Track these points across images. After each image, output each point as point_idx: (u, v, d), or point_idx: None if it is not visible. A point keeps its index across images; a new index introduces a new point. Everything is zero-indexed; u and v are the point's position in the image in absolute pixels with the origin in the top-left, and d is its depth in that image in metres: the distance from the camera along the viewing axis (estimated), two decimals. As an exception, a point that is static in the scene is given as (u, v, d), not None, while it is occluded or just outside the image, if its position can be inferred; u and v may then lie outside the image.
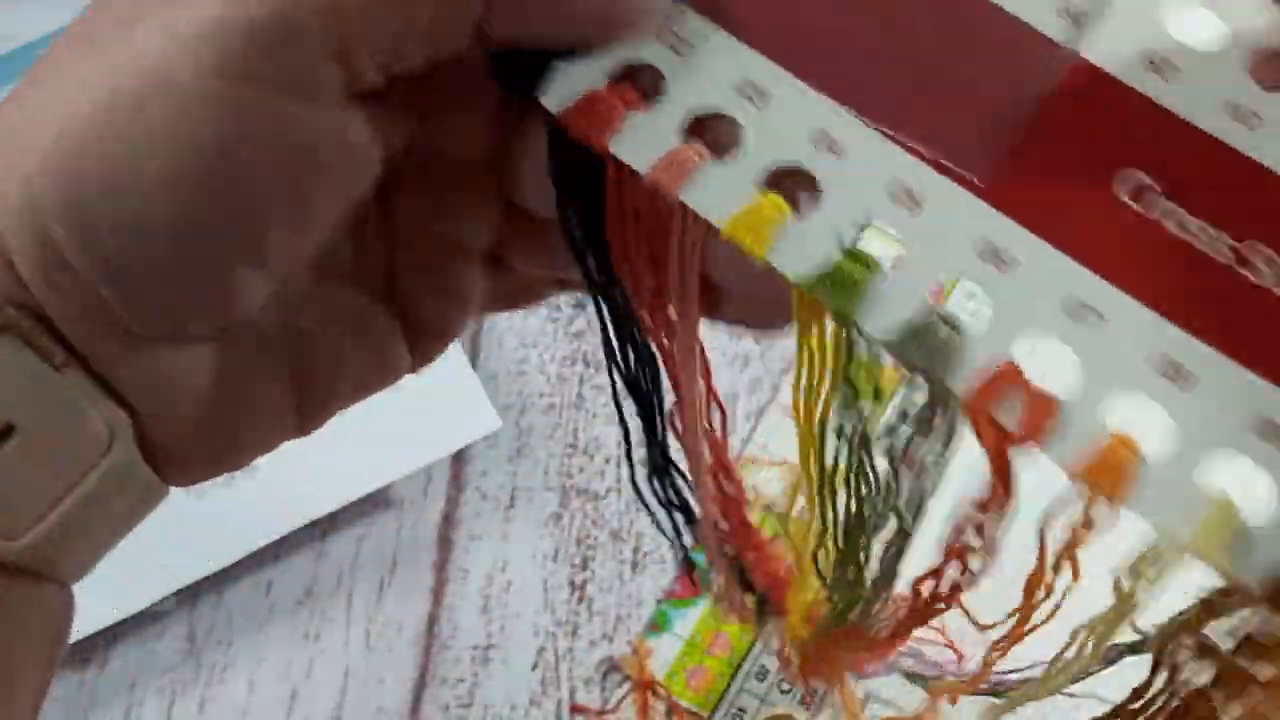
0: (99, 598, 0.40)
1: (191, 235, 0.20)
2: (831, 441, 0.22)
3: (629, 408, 0.25)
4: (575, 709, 0.40)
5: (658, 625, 0.41)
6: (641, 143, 0.20)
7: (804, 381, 0.21)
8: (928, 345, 0.18)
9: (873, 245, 0.20)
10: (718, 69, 0.21)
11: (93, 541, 0.23)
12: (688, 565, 0.31)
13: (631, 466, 0.27)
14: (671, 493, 0.28)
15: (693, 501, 0.28)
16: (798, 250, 0.19)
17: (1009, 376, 0.18)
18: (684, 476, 0.28)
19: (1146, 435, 0.18)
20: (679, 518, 0.28)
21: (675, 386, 0.24)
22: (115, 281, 0.20)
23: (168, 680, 0.41)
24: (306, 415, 0.26)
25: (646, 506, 0.28)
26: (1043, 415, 0.18)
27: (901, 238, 0.20)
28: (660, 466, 0.27)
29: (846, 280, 0.19)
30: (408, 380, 0.44)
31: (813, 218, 0.20)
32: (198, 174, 0.20)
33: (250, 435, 0.25)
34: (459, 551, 0.43)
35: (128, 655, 0.41)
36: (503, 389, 0.46)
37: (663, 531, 0.29)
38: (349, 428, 0.43)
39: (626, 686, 0.40)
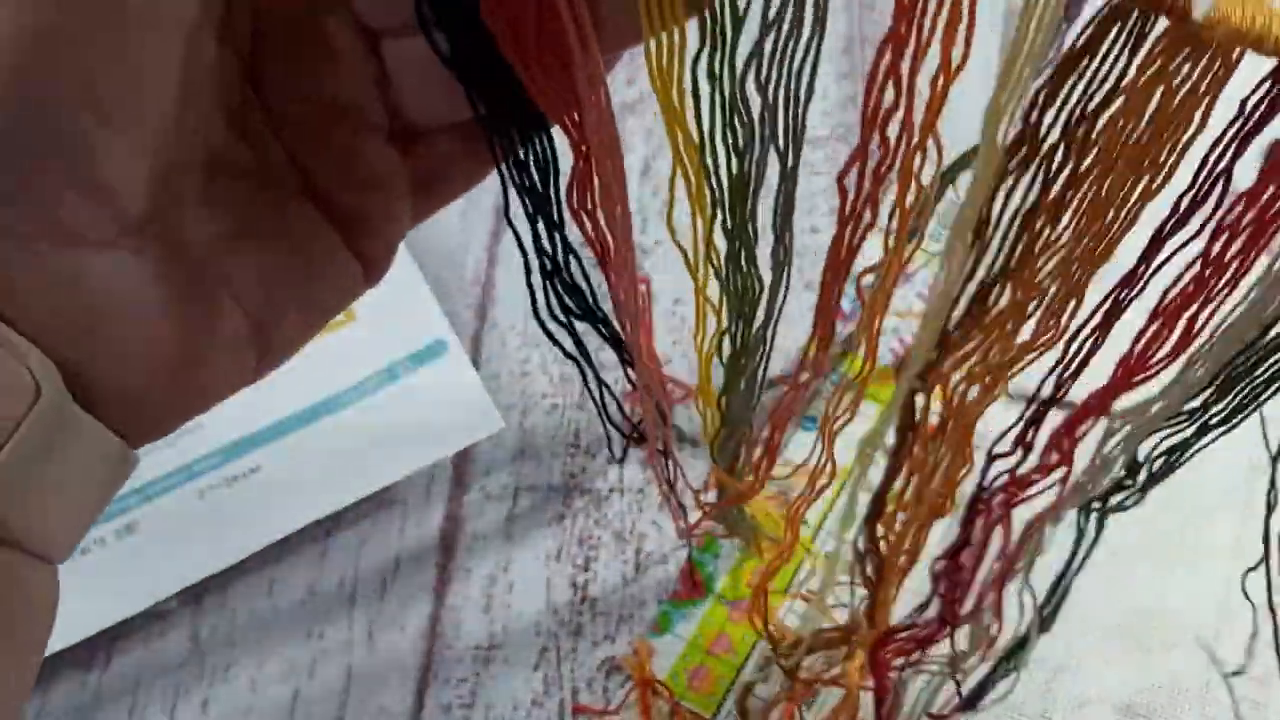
0: (103, 597, 0.40)
1: (21, 90, 0.20)
2: (700, 101, 0.23)
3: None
4: (578, 709, 0.40)
5: (660, 626, 0.41)
6: None
7: (655, 44, 0.21)
8: None
9: None
10: None
11: (52, 503, 0.22)
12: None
13: (533, 295, 0.26)
14: (574, 303, 0.28)
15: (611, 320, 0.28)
16: None
17: None
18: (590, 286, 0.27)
19: None
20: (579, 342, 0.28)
21: (579, 151, 0.24)
22: None
23: (172, 680, 0.41)
24: (262, 342, 0.25)
25: (552, 337, 0.28)
26: None
27: None
28: (559, 266, 0.27)
29: None
30: (412, 380, 0.44)
31: None
32: None
33: (200, 366, 0.24)
34: (462, 551, 0.43)
35: (132, 655, 0.42)
36: (505, 389, 0.46)
37: (562, 351, 0.29)
38: (353, 427, 0.44)
39: (629, 687, 0.40)
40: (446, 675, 0.41)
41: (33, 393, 0.21)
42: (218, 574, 0.42)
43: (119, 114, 0.21)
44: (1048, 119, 0.21)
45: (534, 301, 0.27)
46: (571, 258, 0.27)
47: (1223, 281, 0.23)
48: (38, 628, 0.23)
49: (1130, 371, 0.25)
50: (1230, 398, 0.25)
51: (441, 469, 0.45)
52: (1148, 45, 0.20)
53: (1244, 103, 0.21)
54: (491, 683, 0.41)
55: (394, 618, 0.42)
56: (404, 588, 0.43)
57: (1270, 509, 0.30)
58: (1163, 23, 0.20)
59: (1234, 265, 0.23)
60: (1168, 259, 0.24)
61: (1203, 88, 0.20)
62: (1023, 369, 0.26)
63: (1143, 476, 0.28)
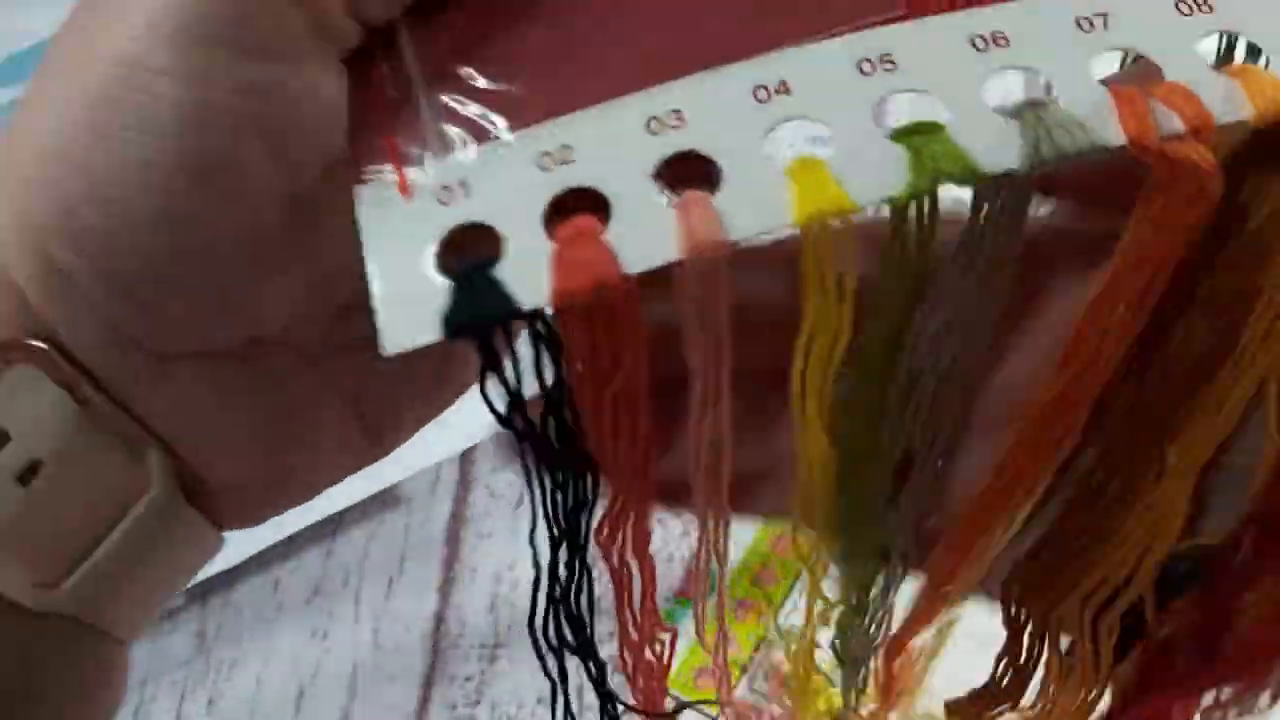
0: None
1: (184, 223, 0.19)
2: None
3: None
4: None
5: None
6: (636, 252, 0.17)
7: (813, 354, 0.19)
8: (1055, 137, 0.18)
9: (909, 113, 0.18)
10: (515, 173, 0.18)
11: (142, 589, 0.22)
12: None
13: (533, 609, 0.24)
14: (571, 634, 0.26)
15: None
16: (863, 175, 0.18)
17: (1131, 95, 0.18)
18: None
19: None
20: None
21: (617, 497, 0.22)
22: (122, 291, 0.19)
23: (178, 677, 0.41)
24: (374, 435, 0.24)
25: (541, 658, 0.25)
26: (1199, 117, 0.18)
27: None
28: (568, 595, 0.25)
29: (937, 155, 0.18)
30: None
31: (833, 150, 0.18)
32: (177, 155, 0.18)
33: (309, 462, 0.23)
34: (467, 549, 0.43)
35: (138, 651, 0.41)
36: (511, 388, 0.46)
37: (545, 675, 0.26)
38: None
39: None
40: (452, 674, 0.41)
41: (142, 481, 0.21)
42: (223, 572, 0.42)
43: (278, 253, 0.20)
44: None
45: (531, 617, 0.25)
46: (585, 584, 0.25)
47: None
48: (110, 701, 0.23)
49: None
50: None
51: (447, 467, 0.45)
52: None
53: None
54: (496, 681, 0.41)
55: (399, 616, 0.42)
56: (409, 586, 0.43)
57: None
58: None
59: None
60: None
61: None
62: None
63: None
